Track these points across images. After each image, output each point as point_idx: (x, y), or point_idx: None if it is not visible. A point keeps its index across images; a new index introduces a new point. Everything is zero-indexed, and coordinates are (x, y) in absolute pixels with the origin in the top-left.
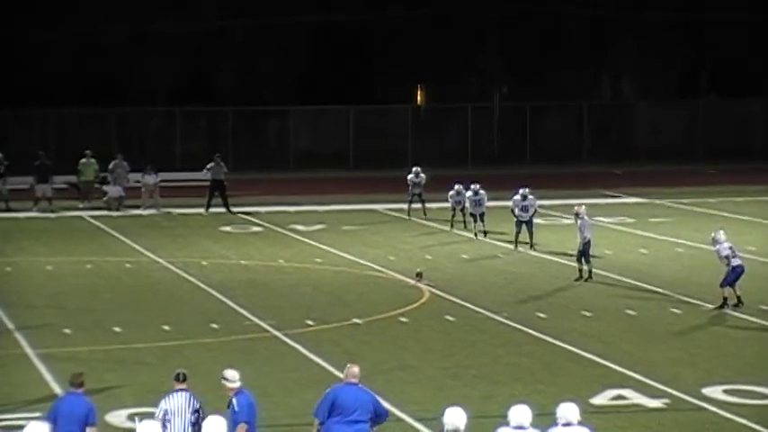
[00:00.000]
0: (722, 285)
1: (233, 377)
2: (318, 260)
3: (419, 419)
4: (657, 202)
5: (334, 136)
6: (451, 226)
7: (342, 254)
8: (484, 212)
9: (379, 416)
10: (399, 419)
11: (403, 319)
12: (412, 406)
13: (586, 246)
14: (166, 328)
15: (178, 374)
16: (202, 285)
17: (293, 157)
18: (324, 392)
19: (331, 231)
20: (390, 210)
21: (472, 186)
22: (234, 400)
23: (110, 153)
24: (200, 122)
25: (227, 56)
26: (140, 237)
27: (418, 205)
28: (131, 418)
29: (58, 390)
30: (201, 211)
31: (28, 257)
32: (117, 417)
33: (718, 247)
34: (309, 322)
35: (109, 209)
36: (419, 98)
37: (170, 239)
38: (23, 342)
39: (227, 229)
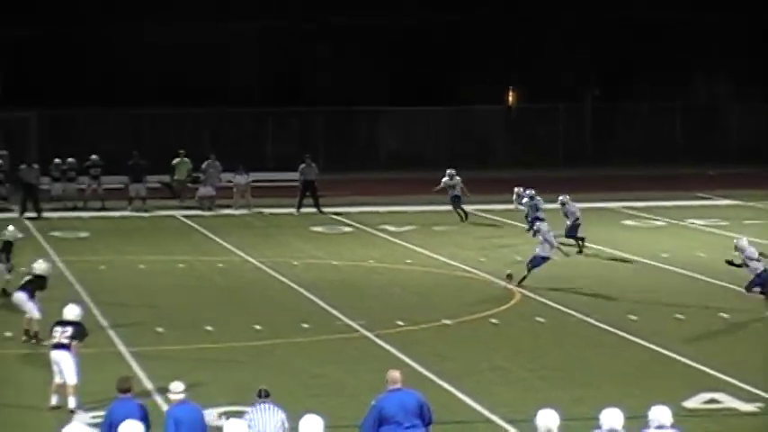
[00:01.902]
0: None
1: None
2: (409, 261)
3: (509, 421)
4: (751, 204)
5: (423, 137)
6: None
7: (432, 254)
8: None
9: (424, 417)
10: (490, 421)
11: (493, 321)
12: (502, 408)
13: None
14: (258, 327)
15: (260, 391)
16: (293, 285)
17: (383, 158)
18: (370, 405)
19: (421, 232)
20: (481, 211)
21: (527, 192)
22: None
23: (203, 153)
24: (291, 123)
25: (319, 57)
26: (232, 236)
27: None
28: (222, 416)
29: (150, 387)
30: (292, 211)
31: (121, 256)
32: (208, 415)
33: (746, 253)
34: (399, 323)
35: (201, 208)
36: (510, 99)
37: (261, 239)
38: (117, 340)
39: (318, 229)
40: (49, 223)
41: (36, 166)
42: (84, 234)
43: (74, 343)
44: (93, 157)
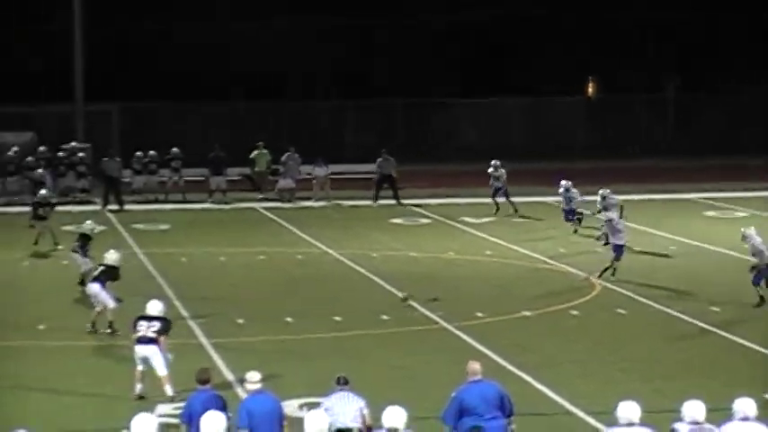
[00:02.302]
0: (755, 283)
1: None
2: (488, 252)
3: (590, 413)
4: None
5: (501, 128)
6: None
7: (511, 246)
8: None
9: (504, 409)
10: (570, 413)
11: (573, 312)
12: (582, 400)
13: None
14: (337, 318)
15: (339, 378)
16: (372, 276)
17: (461, 150)
18: (450, 396)
19: (500, 223)
20: (561, 202)
21: (563, 183)
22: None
23: (282, 146)
24: (370, 115)
25: (397, 49)
26: (311, 228)
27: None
28: (302, 407)
29: (230, 378)
30: (371, 202)
31: (202, 248)
32: (289, 406)
33: (752, 242)
34: (479, 314)
35: (281, 200)
36: (589, 89)
37: (340, 231)
38: (198, 331)
39: (397, 220)
40: (130, 215)
41: (118, 158)
42: (165, 226)
43: (162, 338)
44: (174, 149)
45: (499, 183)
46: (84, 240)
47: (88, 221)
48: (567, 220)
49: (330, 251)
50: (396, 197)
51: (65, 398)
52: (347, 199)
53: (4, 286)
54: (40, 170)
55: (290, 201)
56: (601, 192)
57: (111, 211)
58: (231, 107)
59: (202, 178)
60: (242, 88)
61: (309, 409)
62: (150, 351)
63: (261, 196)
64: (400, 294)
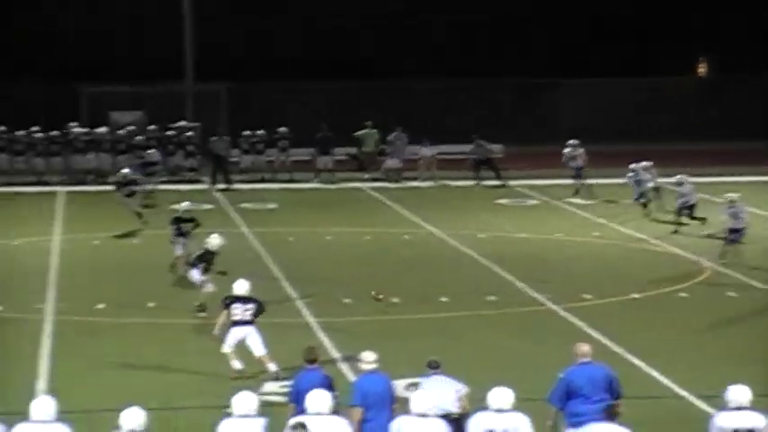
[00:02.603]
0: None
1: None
2: (596, 233)
3: (699, 397)
4: None
5: (608, 109)
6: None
7: (620, 228)
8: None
9: (612, 392)
10: (679, 397)
11: (683, 295)
12: (691, 383)
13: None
14: (444, 299)
15: (431, 362)
16: (479, 258)
17: (568, 130)
18: (557, 377)
19: (609, 205)
20: (671, 184)
21: (632, 165)
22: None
23: (389, 125)
24: (478, 96)
25: (503, 29)
26: (418, 208)
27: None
28: (408, 388)
29: (337, 357)
30: (470, 183)
31: (309, 228)
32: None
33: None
34: (586, 296)
35: (387, 180)
36: (701, 68)
37: (447, 211)
38: (304, 311)
39: (504, 201)
40: (238, 195)
41: (226, 137)
42: (272, 206)
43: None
44: (282, 129)
45: (577, 162)
46: (179, 222)
47: (185, 202)
48: (637, 200)
49: (436, 231)
50: (498, 178)
51: (172, 375)
52: (454, 179)
53: (112, 265)
54: (152, 150)
55: (396, 181)
56: (678, 178)
57: (219, 190)
58: (339, 86)
59: (309, 158)
60: (349, 67)
61: (415, 389)
62: (247, 332)
63: (367, 176)
64: (373, 293)
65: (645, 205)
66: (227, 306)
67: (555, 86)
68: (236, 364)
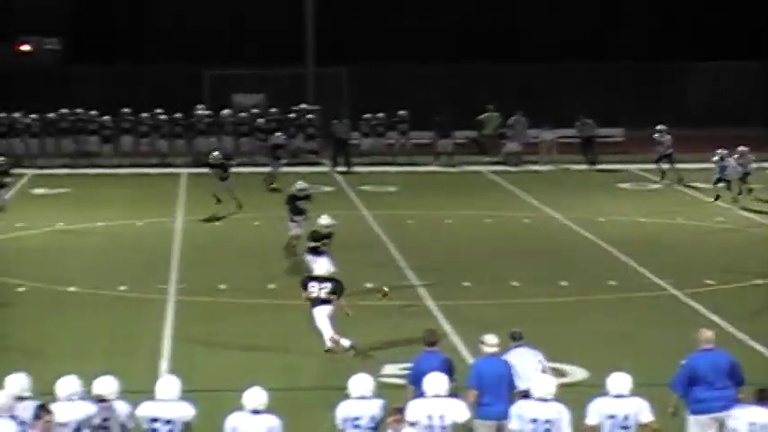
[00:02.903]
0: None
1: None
2: (719, 218)
3: None
4: None
5: (735, 92)
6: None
7: (742, 212)
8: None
9: (736, 378)
10: None
11: None
12: None
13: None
14: (564, 283)
15: (513, 334)
16: (599, 242)
17: (693, 115)
18: (680, 364)
19: (729, 189)
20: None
21: (719, 151)
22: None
23: (509, 108)
24: (597, 79)
25: (623, 12)
26: (538, 192)
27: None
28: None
29: (456, 341)
30: (598, 167)
31: (428, 211)
32: None
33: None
34: (709, 281)
35: (507, 164)
36: None
37: (567, 195)
38: (424, 293)
39: (626, 185)
40: (358, 177)
41: (347, 121)
42: (392, 188)
43: (334, 298)
44: (402, 112)
45: (663, 148)
46: (294, 201)
47: (300, 182)
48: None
49: (556, 215)
50: (591, 162)
51: (293, 356)
52: (574, 163)
53: (233, 246)
54: (278, 132)
55: (516, 164)
56: (719, 151)
57: (339, 172)
58: (459, 69)
59: (429, 141)
60: (466, 50)
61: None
62: (324, 311)
63: (487, 159)
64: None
65: (729, 188)
66: (305, 285)
67: (682, 70)
68: (345, 342)
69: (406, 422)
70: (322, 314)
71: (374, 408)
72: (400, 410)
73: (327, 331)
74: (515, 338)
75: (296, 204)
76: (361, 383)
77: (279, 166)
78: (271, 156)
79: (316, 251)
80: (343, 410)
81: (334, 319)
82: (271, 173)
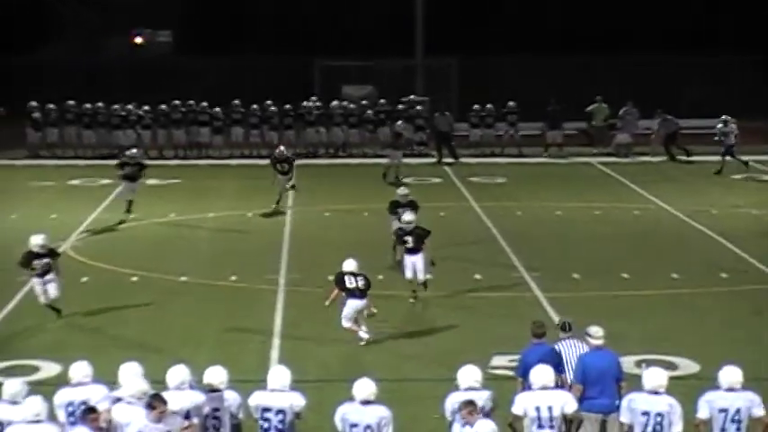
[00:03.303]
0: None
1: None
2: None
3: None
4: None
5: None
6: None
7: None
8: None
9: None
10: None
11: None
12: None
13: None
14: (675, 276)
15: (564, 324)
16: (712, 234)
17: None
18: None
19: None
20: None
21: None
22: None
23: (620, 99)
24: (709, 70)
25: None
26: (648, 184)
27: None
28: (641, 365)
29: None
30: (712, 159)
31: (538, 202)
32: (625, 363)
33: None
34: None
35: (617, 155)
36: None
37: (678, 187)
38: (533, 285)
39: (739, 177)
40: (467, 168)
41: (448, 113)
42: (501, 180)
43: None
44: (511, 103)
45: (729, 139)
46: (395, 209)
47: (401, 188)
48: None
49: (667, 207)
50: (672, 157)
51: (403, 347)
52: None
53: (345, 236)
54: (400, 122)
55: (626, 156)
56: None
57: (446, 164)
58: (570, 61)
59: (539, 132)
60: (576, 41)
61: (647, 367)
62: (359, 305)
63: (596, 151)
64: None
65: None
66: (341, 281)
67: None
68: (363, 334)
69: (479, 414)
70: (354, 307)
71: (483, 399)
72: (472, 403)
73: (347, 323)
74: (566, 329)
75: (397, 211)
76: (469, 374)
77: (399, 157)
78: (392, 145)
79: (411, 251)
80: (452, 401)
81: (362, 313)
82: (391, 164)
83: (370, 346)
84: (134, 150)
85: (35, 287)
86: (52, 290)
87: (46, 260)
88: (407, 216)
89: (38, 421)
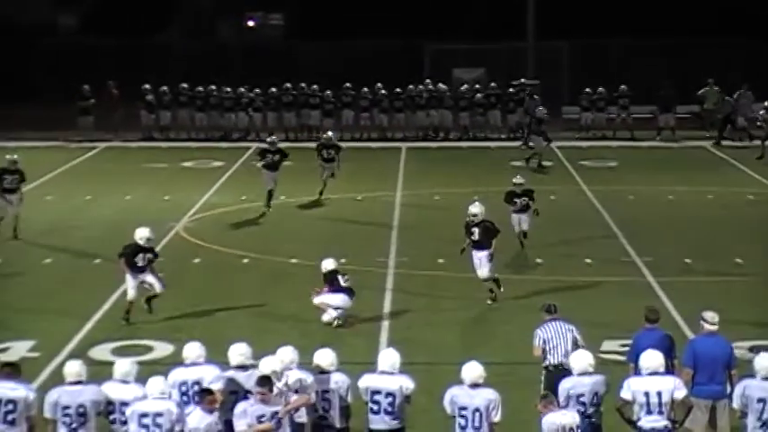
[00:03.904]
0: None
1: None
2: None
3: None
4: None
5: None
6: None
7: None
8: None
9: None
10: None
11: None
12: None
13: None
14: None
15: (549, 307)
16: None
17: None
18: None
19: None
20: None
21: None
22: None
23: (734, 83)
24: None
25: None
26: (763, 168)
27: None
28: (753, 350)
29: (677, 318)
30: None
31: (650, 186)
32: (737, 349)
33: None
34: None
35: (731, 139)
36: None
37: None
38: (644, 270)
39: None
40: (578, 152)
41: (537, 96)
42: (612, 164)
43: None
44: (623, 87)
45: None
46: (512, 199)
47: (517, 176)
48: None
49: None
50: (717, 142)
51: (510, 330)
52: None
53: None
54: (540, 107)
55: (741, 140)
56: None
57: (558, 147)
58: (682, 43)
59: (650, 116)
60: (694, 24)
61: (759, 353)
62: (342, 300)
63: (709, 134)
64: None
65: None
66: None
67: None
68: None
69: (555, 406)
70: (337, 300)
71: (597, 383)
72: (547, 395)
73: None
74: (551, 311)
75: (515, 201)
76: (582, 359)
77: (542, 143)
78: (535, 132)
79: (477, 245)
80: (566, 386)
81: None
82: (536, 150)
83: (480, 329)
84: (273, 137)
85: (130, 281)
86: (157, 285)
87: (149, 255)
88: (474, 209)
89: (162, 398)
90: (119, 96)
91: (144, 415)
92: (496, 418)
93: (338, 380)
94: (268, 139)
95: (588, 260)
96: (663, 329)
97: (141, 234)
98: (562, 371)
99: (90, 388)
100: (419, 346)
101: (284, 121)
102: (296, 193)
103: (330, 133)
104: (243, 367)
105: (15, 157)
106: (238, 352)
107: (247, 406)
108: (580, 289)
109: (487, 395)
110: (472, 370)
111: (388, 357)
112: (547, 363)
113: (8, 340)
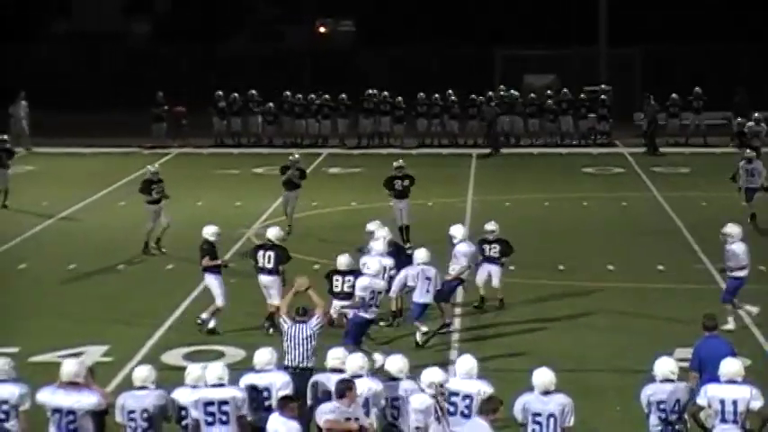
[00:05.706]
0: None
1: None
2: None
3: None
4: None
5: None
6: None
7: None
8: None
9: None
10: None
11: None
12: None
13: None
14: None
15: (299, 309)
16: None
17: None
18: None
19: None
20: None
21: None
22: None
23: None
24: None
25: None
26: None
27: None
28: None
29: (750, 324)
30: None
31: (723, 193)
32: None
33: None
34: None
35: None
36: None
37: None
38: (718, 277)
39: None
40: (650, 158)
41: (654, 102)
42: (684, 170)
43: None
44: (697, 89)
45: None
46: None
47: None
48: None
49: None
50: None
51: (587, 336)
52: None
53: (525, 226)
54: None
55: None
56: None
57: (632, 154)
58: (754, 48)
59: (724, 122)
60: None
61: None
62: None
63: None
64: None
65: None
66: (329, 278)
67: None
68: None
69: None
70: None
71: (678, 390)
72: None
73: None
74: (300, 313)
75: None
76: (664, 366)
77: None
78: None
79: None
80: (648, 393)
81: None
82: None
83: (550, 335)
84: (296, 156)
85: (217, 287)
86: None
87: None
88: (489, 226)
89: (221, 385)
90: (178, 108)
91: (209, 403)
92: (570, 422)
93: (407, 387)
94: (290, 158)
95: (660, 267)
96: (722, 337)
97: (209, 230)
98: None
99: (154, 393)
100: (490, 351)
101: (359, 127)
102: (368, 199)
103: (401, 161)
104: (338, 371)
105: (156, 166)
106: (334, 356)
107: (332, 407)
108: (652, 295)
109: (561, 400)
110: (543, 376)
111: (466, 362)
112: None
113: (83, 345)
